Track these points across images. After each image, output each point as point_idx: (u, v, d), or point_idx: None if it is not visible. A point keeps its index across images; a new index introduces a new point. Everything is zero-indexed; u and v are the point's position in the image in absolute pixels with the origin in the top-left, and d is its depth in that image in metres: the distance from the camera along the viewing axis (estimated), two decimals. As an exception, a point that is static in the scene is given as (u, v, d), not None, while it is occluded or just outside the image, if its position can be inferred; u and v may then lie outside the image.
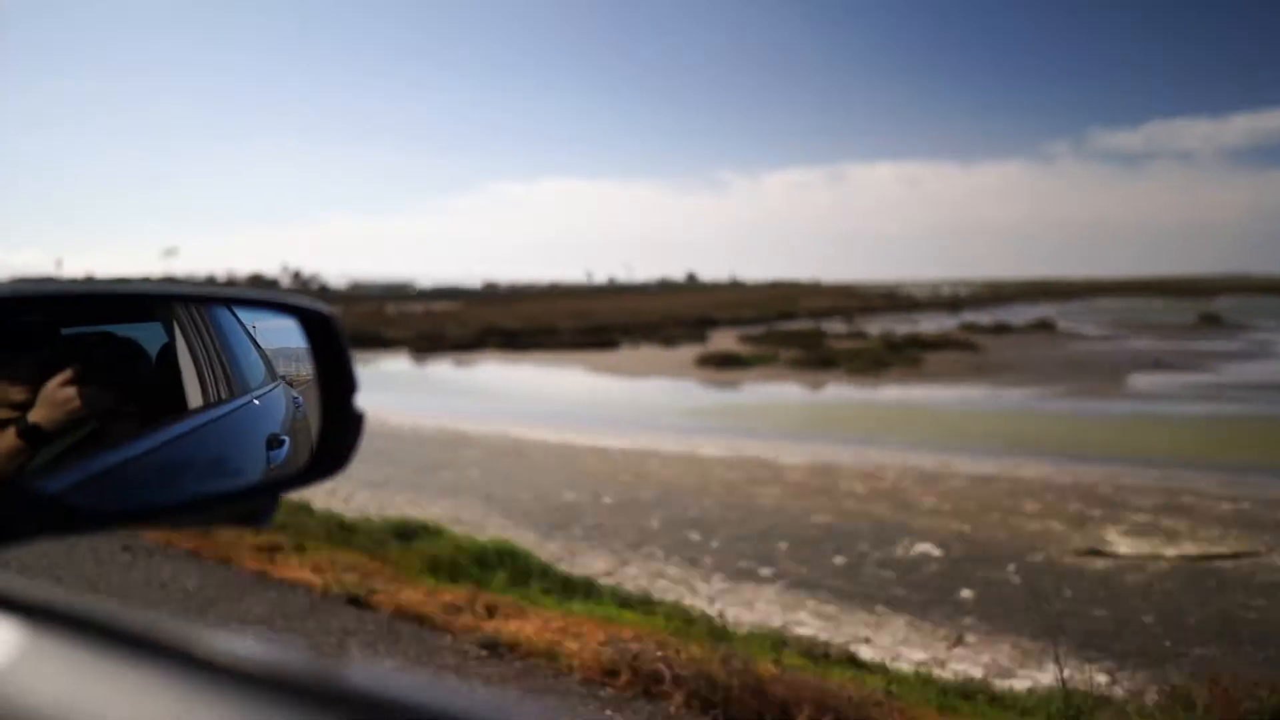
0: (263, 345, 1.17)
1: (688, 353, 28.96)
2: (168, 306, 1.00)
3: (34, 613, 0.42)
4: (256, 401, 1.09)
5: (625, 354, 31.17)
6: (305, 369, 1.16)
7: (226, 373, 1.05)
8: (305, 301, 1.02)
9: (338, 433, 0.97)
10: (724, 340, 33.18)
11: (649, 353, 31.24)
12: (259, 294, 1.01)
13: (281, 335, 1.15)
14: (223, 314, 1.09)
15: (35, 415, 0.75)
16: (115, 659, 0.38)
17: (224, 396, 1.03)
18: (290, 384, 1.12)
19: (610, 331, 36.95)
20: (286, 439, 1.05)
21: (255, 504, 0.93)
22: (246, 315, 1.09)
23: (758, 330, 37.92)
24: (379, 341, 34.24)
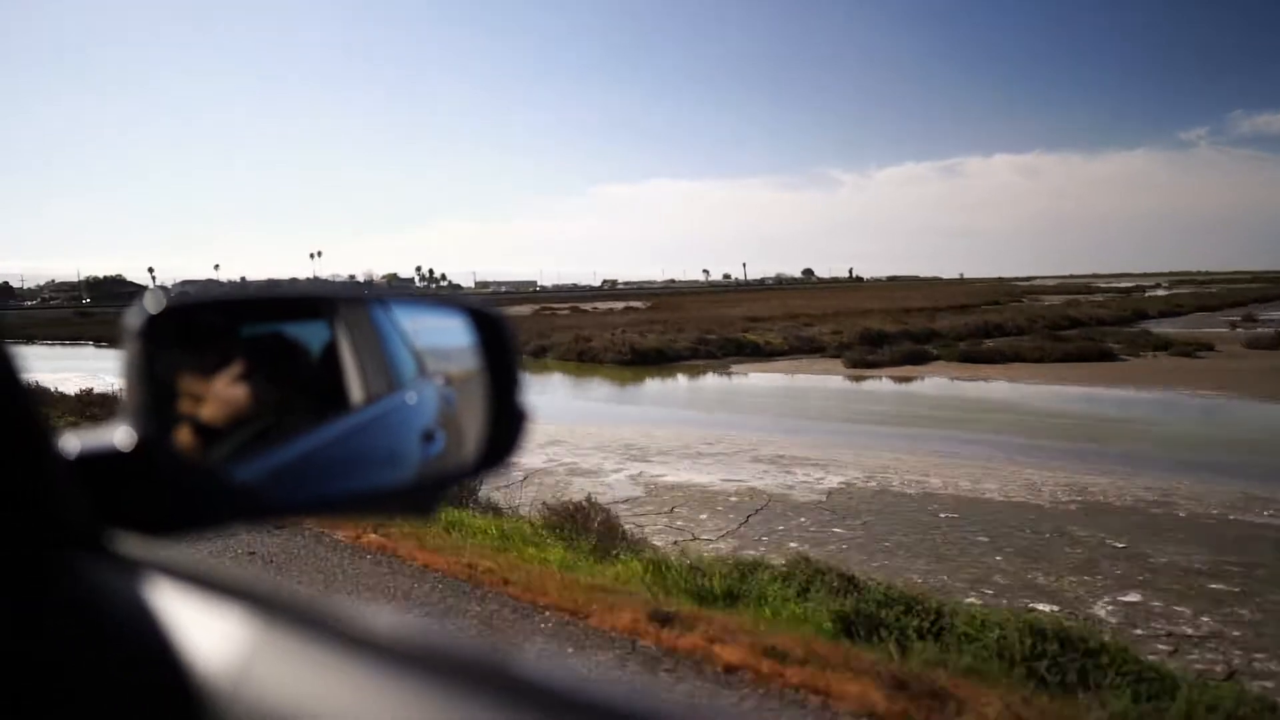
0: (413, 345, 1.21)
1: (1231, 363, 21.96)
2: (334, 307, 1.05)
3: (262, 604, 0.44)
4: (411, 397, 1.12)
5: (1142, 366, 23.37)
6: (453, 366, 1.20)
7: (384, 370, 1.08)
8: (477, 303, 1.07)
9: (504, 429, 1.01)
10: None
11: (1171, 363, 23.76)
12: (434, 296, 1.07)
13: (429, 335, 1.19)
14: (379, 314, 1.13)
15: (205, 412, 0.79)
16: (336, 650, 0.40)
17: (382, 393, 1.06)
18: (440, 381, 1.16)
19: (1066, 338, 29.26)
20: (439, 434, 1.08)
21: (424, 497, 0.97)
22: (421, 316, 1.16)
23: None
24: (699, 353, 28.93)
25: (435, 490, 0.98)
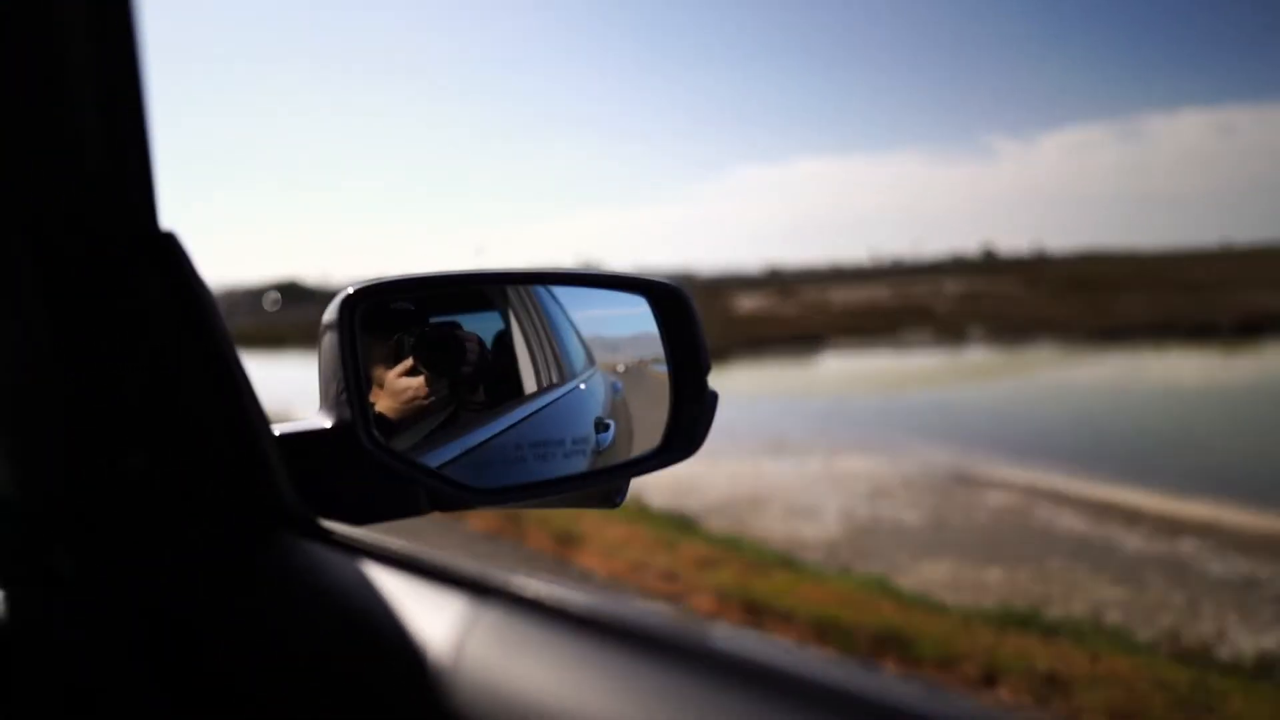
0: (581, 333, 1.23)
1: None
2: (503, 295, 1.07)
3: (478, 589, 0.45)
4: (582, 386, 1.14)
5: None
6: (619, 357, 1.20)
7: (557, 359, 1.10)
8: (659, 279, 1.04)
9: (690, 415, 0.96)
10: None
11: None
12: (613, 274, 1.04)
13: (595, 324, 1.20)
14: (549, 302, 1.15)
15: (392, 400, 0.82)
16: (548, 628, 0.40)
17: (556, 382, 1.08)
18: (608, 370, 1.16)
19: None
20: (611, 423, 1.08)
21: (610, 485, 0.96)
22: (599, 294, 1.14)
23: None
24: None
25: (620, 479, 0.96)
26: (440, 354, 0.90)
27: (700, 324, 0.98)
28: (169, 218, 0.60)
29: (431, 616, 0.45)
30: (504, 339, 1.04)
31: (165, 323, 0.62)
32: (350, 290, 0.77)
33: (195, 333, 0.62)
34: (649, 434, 1.10)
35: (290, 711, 0.52)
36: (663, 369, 1.17)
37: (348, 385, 0.73)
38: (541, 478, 0.90)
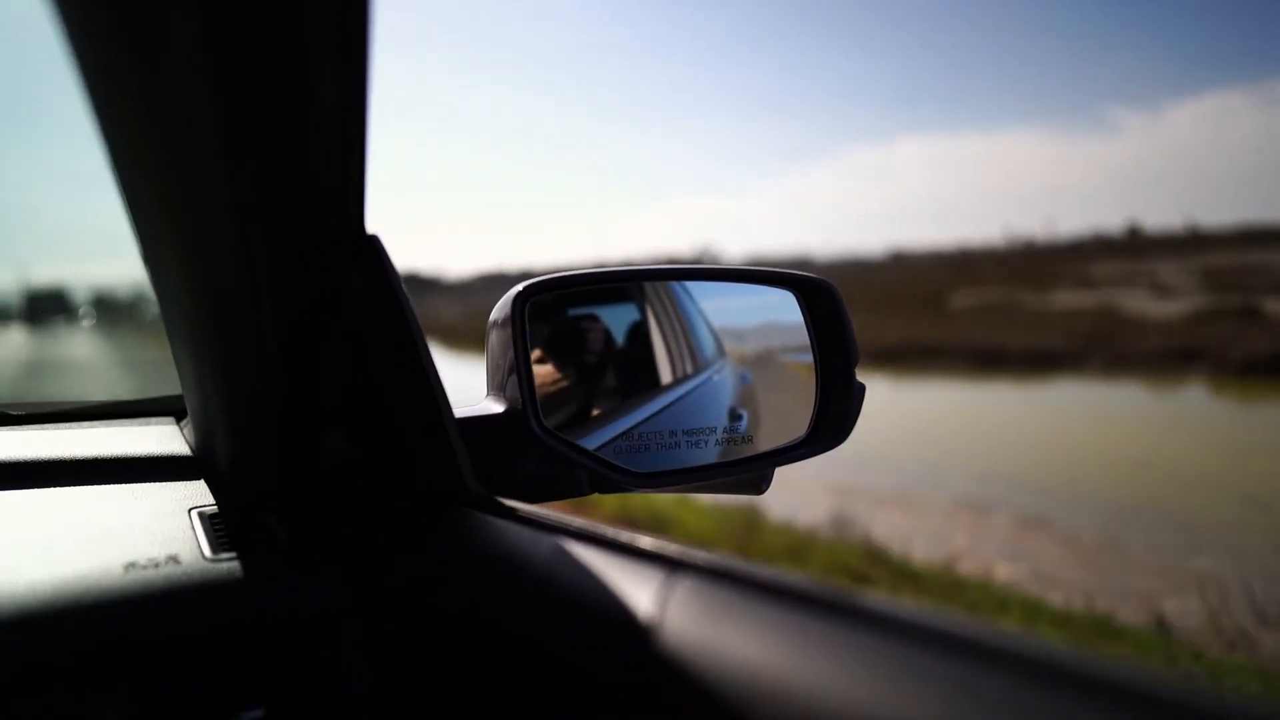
0: (712, 325, 1.26)
1: None
2: (639, 288, 1.12)
3: (670, 562, 0.48)
4: (716, 376, 1.18)
5: None
6: (746, 346, 1.23)
7: (690, 348, 1.15)
8: (807, 274, 1.07)
9: (838, 405, 0.99)
10: None
11: None
12: (762, 270, 1.07)
13: (722, 315, 1.23)
14: (682, 294, 1.20)
15: (549, 387, 0.88)
16: (748, 599, 0.43)
17: (690, 371, 1.12)
18: (737, 361, 1.20)
19: None
20: (744, 412, 1.12)
21: (760, 472, 1.00)
22: (727, 286, 1.17)
23: None
24: None
25: (769, 467, 1.00)
26: (565, 343, 0.96)
27: (849, 317, 1.01)
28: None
29: (629, 586, 0.48)
30: (640, 330, 1.10)
31: (367, 317, 0.69)
32: (520, 287, 0.84)
33: (392, 326, 0.70)
34: (780, 423, 1.13)
35: (488, 675, 0.57)
36: (789, 358, 1.19)
37: (518, 374, 0.79)
38: (695, 464, 0.94)
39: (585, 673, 0.48)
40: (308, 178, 0.59)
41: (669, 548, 0.50)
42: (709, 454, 0.98)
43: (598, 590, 0.50)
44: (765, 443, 1.04)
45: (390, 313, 0.69)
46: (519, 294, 0.83)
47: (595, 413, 0.98)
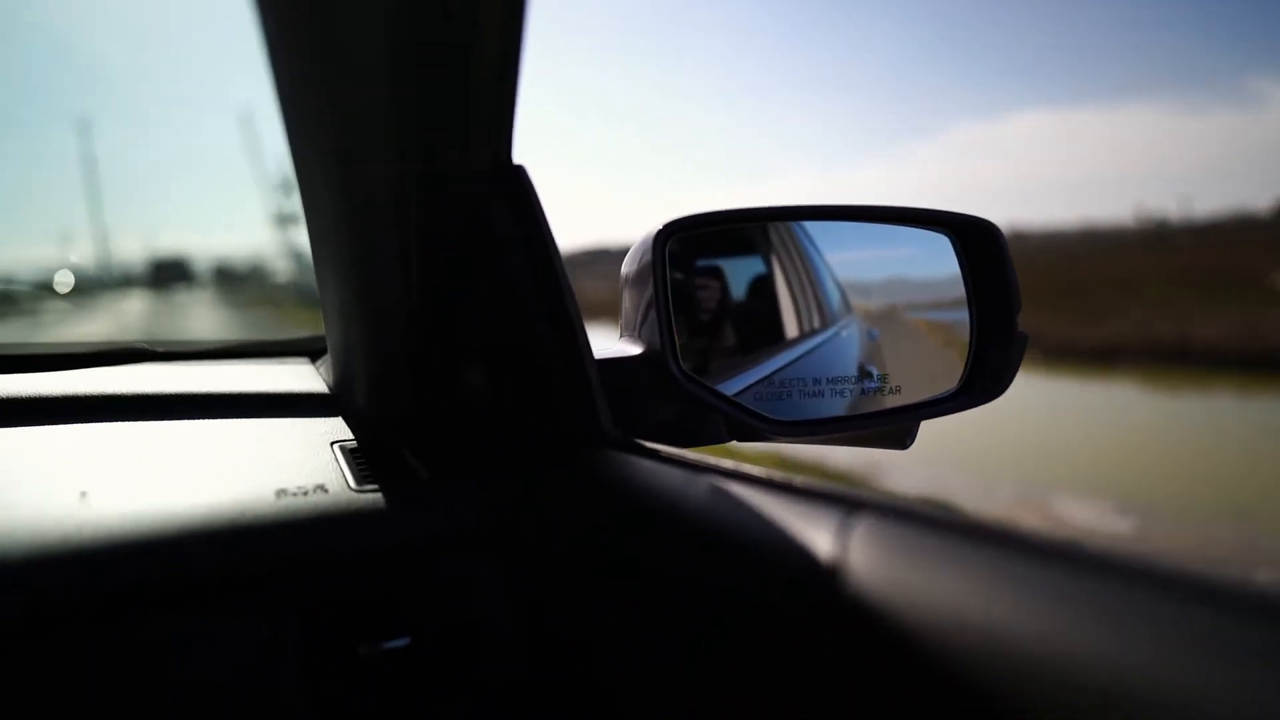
0: (838, 277, 1.21)
1: None
2: (765, 238, 1.08)
3: (857, 506, 0.46)
4: (844, 333, 1.13)
5: None
6: (872, 302, 1.18)
7: (818, 302, 1.10)
8: (966, 214, 1.00)
9: (996, 355, 0.93)
10: None
11: None
12: (916, 209, 1.01)
13: (848, 267, 1.18)
14: (808, 246, 1.15)
15: (682, 332, 0.85)
16: (929, 537, 0.42)
17: (816, 326, 1.08)
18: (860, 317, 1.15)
19: None
20: (874, 370, 1.07)
21: (905, 425, 0.95)
22: (854, 236, 1.12)
23: None
24: None
25: (916, 419, 0.95)
26: (680, 300, 0.92)
27: (1010, 261, 0.94)
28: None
29: (803, 527, 0.46)
30: (764, 282, 1.06)
31: (513, 249, 0.68)
32: (660, 224, 0.82)
33: (536, 261, 0.68)
34: (910, 383, 1.08)
35: (647, 614, 0.56)
36: (916, 315, 1.13)
37: (659, 315, 0.77)
38: (838, 414, 0.91)
39: (765, 615, 0.47)
40: (464, 104, 0.58)
41: (841, 488, 0.48)
42: (853, 404, 0.94)
43: (769, 532, 0.48)
44: (886, 400, 0.99)
45: (535, 245, 0.68)
46: (660, 231, 0.80)
47: (738, 361, 0.95)
